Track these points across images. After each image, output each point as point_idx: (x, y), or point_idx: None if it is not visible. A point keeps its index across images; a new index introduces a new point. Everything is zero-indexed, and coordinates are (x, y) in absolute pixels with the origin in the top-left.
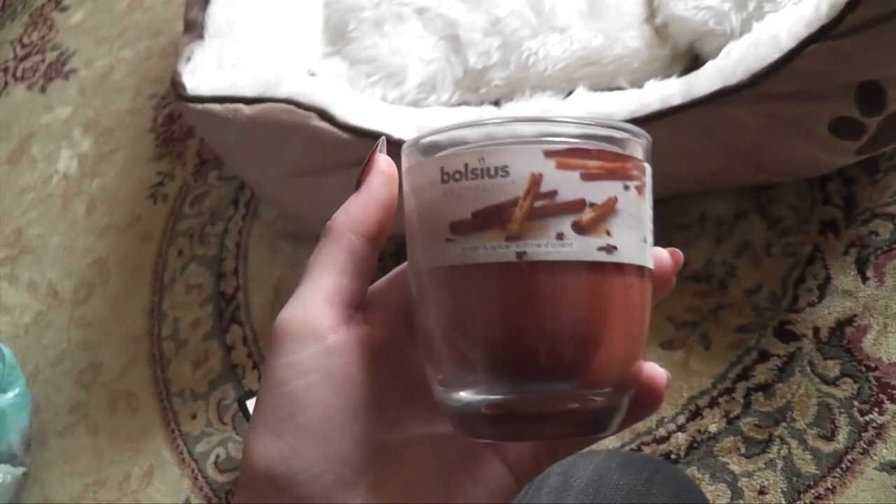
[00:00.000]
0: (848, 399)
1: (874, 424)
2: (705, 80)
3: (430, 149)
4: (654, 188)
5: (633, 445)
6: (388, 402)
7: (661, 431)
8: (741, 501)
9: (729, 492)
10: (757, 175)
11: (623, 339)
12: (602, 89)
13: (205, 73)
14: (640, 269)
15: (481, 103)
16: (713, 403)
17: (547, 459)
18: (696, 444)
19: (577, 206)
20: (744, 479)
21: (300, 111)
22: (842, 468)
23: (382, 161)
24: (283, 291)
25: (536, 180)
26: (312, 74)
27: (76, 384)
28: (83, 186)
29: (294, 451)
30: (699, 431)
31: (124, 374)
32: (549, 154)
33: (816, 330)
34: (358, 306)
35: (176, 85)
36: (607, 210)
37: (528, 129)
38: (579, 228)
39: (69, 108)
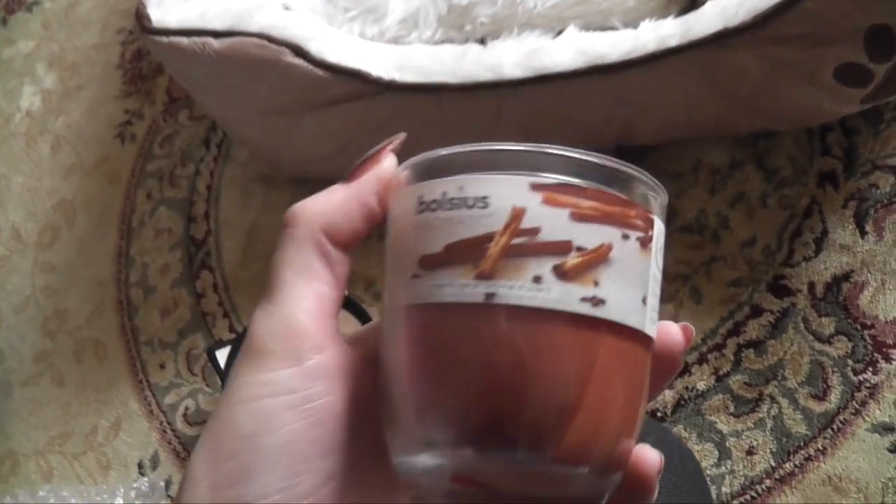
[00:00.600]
0: (842, 358)
1: (868, 384)
2: (705, 21)
3: (415, 175)
4: (646, 134)
5: None
6: (364, 447)
7: None
8: (729, 462)
9: (716, 452)
10: (756, 122)
11: (607, 410)
12: (594, 29)
13: (172, 4)
14: (636, 334)
15: (466, 41)
16: (702, 360)
17: None
18: (683, 402)
19: (562, 248)
20: (732, 438)
21: (273, 46)
22: (833, 429)
23: (388, 162)
24: (255, 237)
25: (517, 214)
26: (287, 8)
27: (41, 332)
28: (47, 125)
29: (247, 474)
30: (687, 389)
31: (91, 322)
32: (536, 187)
33: (812, 285)
34: (337, 318)
35: (140, 16)
36: (598, 258)
37: (525, 159)
38: (561, 273)
39: (32, 42)
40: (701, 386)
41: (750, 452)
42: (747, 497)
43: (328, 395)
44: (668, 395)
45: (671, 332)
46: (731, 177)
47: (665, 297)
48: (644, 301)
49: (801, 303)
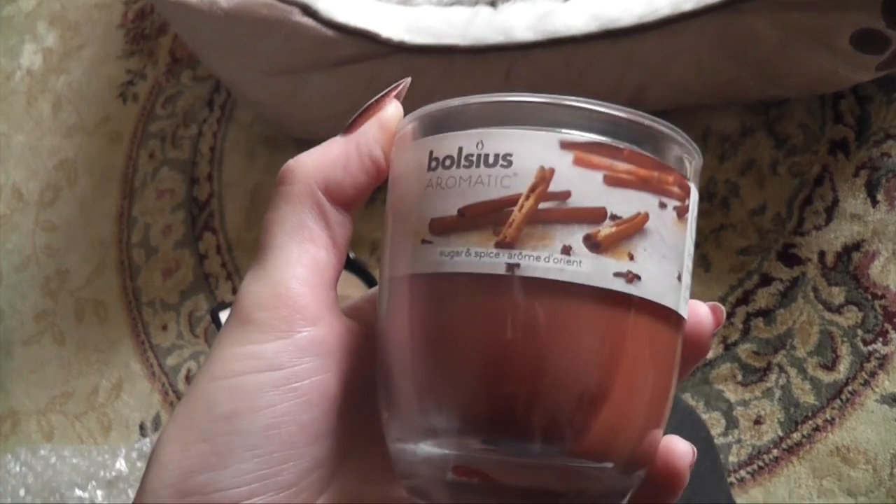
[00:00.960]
0: (851, 328)
1: (877, 355)
2: None
3: (423, 128)
4: (658, 99)
5: None
6: (360, 432)
7: None
8: (736, 431)
9: (724, 421)
10: (768, 89)
11: (636, 399)
12: None
13: None
14: (670, 314)
15: (475, 3)
16: None
17: None
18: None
19: (596, 215)
20: (739, 407)
21: (281, 5)
22: (841, 399)
23: (392, 109)
24: (259, 199)
25: (546, 176)
26: None
27: (42, 291)
28: (48, 84)
29: (221, 460)
30: None
31: (92, 282)
32: (566, 146)
33: (822, 254)
34: (336, 287)
35: None
36: (634, 228)
37: (551, 113)
38: (594, 244)
39: (33, 1)
40: (709, 354)
41: (757, 422)
42: (754, 466)
43: (320, 373)
44: None
45: (700, 314)
46: (742, 144)
47: None
48: (679, 278)
49: (811, 272)
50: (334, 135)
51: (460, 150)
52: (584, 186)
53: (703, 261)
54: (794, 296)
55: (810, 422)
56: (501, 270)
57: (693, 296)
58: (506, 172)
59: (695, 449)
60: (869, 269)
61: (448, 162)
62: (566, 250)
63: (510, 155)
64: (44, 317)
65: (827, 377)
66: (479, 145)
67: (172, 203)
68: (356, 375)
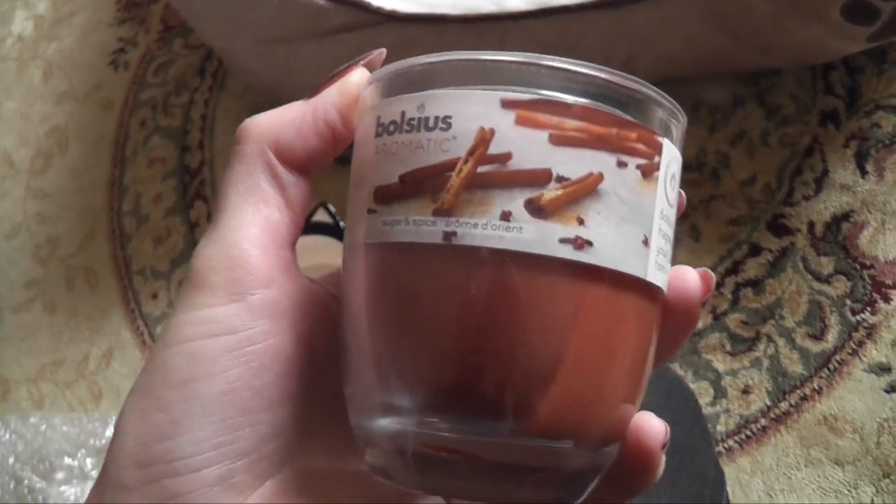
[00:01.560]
0: (840, 297)
1: (865, 325)
2: None
3: (379, 91)
4: (648, 70)
5: None
6: (322, 400)
7: None
8: (724, 401)
9: (712, 390)
10: (759, 60)
11: (596, 373)
12: None
13: None
14: (635, 282)
15: None
16: None
17: None
18: None
19: (538, 177)
20: (728, 377)
21: None
22: (829, 369)
23: (356, 75)
24: None
25: (485, 137)
26: None
27: (32, 258)
28: (39, 50)
29: (178, 427)
30: None
31: (82, 250)
32: (508, 104)
33: (811, 225)
34: (293, 249)
35: None
36: (583, 189)
37: (501, 71)
38: (536, 209)
39: None
40: (698, 324)
41: (746, 391)
42: (742, 436)
43: (275, 336)
44: None
45: (687, 279)
46: (733, 115)
47: None
48: (646, 242)
49: (801, 242)
50: None
51: (403, 114)
52: (527, 147)
53: (692, 231)
54: (783, 266)
55: (798, 391)
56: (438, 239)
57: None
58: (445, 136)
59: (668, 427)
60: (858, 240)
61: (392, 127)
62: (505, 216)
63: (449, 117)
64: (34, 284)
65: (815, 347)
66: (421, 108)
67: (164, 171)
68: (318, 341)
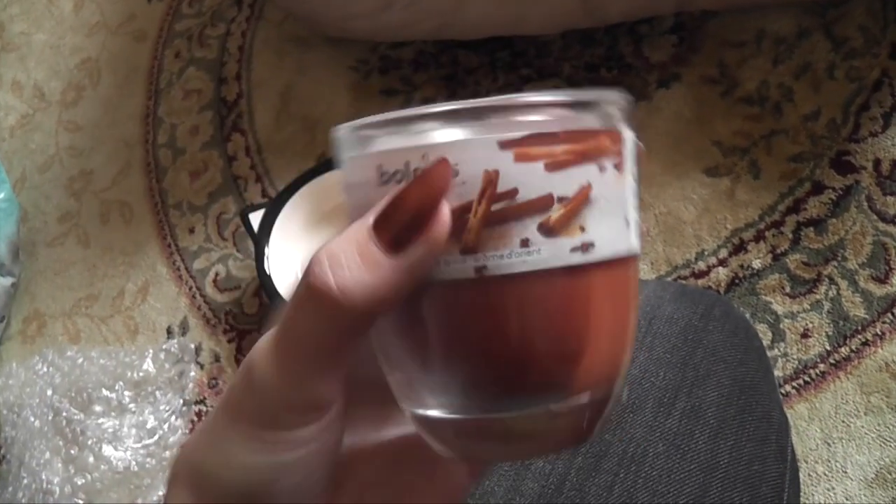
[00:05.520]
0: None
1: None
2: None
3: (365, 140)
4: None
5: (670, 280)
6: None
7: (701, 265)
8: (782, 344)
9: (770, 333)
10: None
11: (608, 340)
12: None
13: None
14: (624, 259)
15: None
16: (759, 237)
17: None
18: (737, 281)
19: (544, 203)
20: (787, 320)
21: None
22: (893, 314)
23: (445, 214)
24: (289, 99)
25: (492, 179)
26: None
27: (66, 192)
28: None
29: None
30: (742, 267)
31: (117, 183)
32: (504, 145)
33: (877, 162)
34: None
35: None
36: (580, 202)
37: (484, 114)
38: (547, 230)
39: None
40: (757, 264)
41: (805, 335)
42: (800, 381)
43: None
44: (721, 273)
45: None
46: (797, 46)
47: (722, 171)
48: (627, 222)
49: (866, 180)
50: (368, 32)
51: (407, 164)
52: (529, 179)
53: (752, 167)
54: (846, 205)
55: (859, 336)
56: (471, 274)
57: (742, 204)
58: (455, 182)
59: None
60: None
61: (399, 176)
62: (524, 243)
63: (456, 165)
64: (68, 218)
65: (879, 290)
66: (425, 158)
67: (200, 103)
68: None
